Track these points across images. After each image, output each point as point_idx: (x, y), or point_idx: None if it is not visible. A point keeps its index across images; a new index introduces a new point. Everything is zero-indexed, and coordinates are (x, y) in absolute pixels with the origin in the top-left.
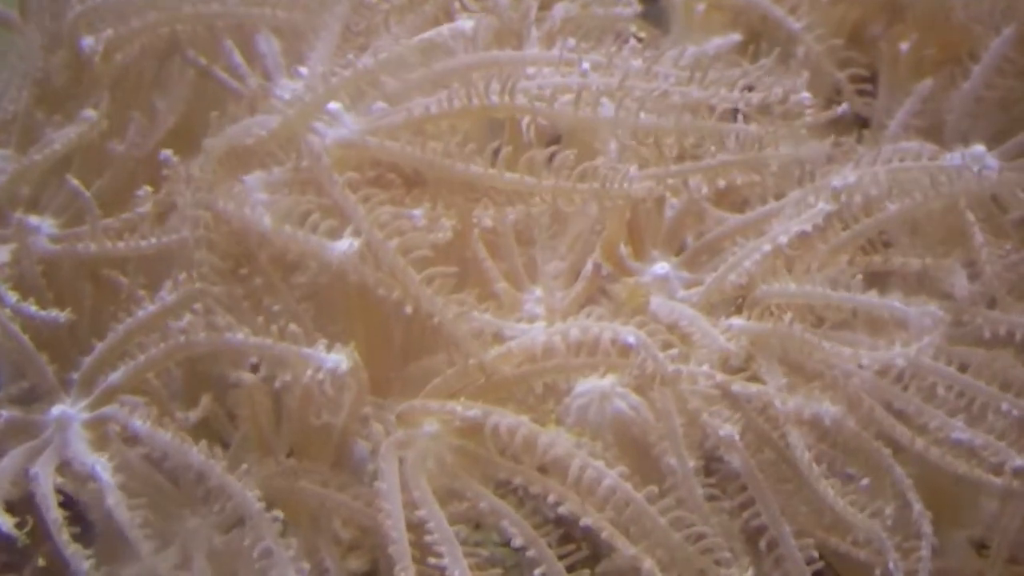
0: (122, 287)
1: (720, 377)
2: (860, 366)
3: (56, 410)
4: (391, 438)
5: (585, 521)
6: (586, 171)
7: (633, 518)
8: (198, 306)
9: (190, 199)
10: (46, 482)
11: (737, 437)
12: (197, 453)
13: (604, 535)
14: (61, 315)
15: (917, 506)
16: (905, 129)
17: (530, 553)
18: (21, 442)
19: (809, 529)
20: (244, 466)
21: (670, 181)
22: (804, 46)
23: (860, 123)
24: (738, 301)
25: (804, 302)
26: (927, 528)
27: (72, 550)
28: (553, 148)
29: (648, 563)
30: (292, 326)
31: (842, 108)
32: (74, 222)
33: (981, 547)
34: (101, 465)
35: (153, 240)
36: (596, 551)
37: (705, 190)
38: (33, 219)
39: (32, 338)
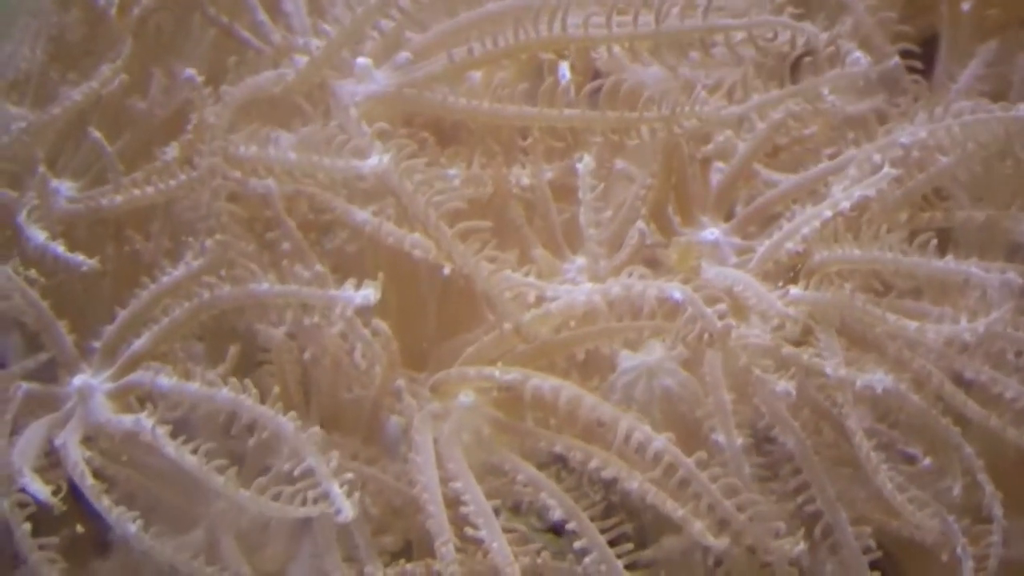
0: (144, 253)
1: (771, 339)
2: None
3: (78, 380)
4: (425, 410)
5: (631, 484)
6: (647, 101)
7: (682, 483)
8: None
9: (206, 148)
10: (75, 450)
11: (794, 394)
12: (226, 392)
13: (650, 497)
14: (88, 261)
15: (988, 488)
16: (968, 94)
17: (570, 525)
18: (39, 416)
19: (868, 513)
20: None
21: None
22: (855, 16)
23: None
24: (795, 269)
25: (868, 269)
26: (998, 511)
27: (116, 513)
28: (601, 81)
29: (698, 525)
30: (317, 266)
31: (894, 61)
32: (93, 186)
33: None
34: (142, 421)
35: (172, 183)
36: (642, 536)
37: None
38: (52, 181)
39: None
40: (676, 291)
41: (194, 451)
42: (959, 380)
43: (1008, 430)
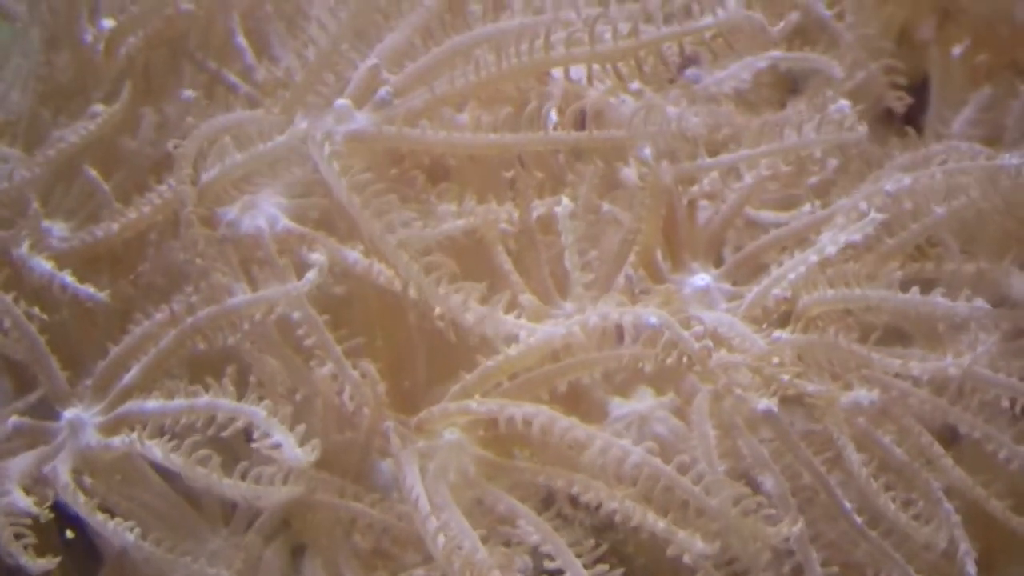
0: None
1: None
2: (912, 378)
3: (69, 413)
4: (411, 447)
5: (611, 505)
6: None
7: (666, 491)
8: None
9: (175, 177)
10: (65, 474)
11: (775, 410)
12: (205, 398)
13: (631, 514)
14: (97, 294)
15: (963, 545)
16: (962, 139)
17: (545, 547)
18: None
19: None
20: None
21: (708, 184)
22: (845, 46)
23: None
24: (782, 314)
25: (844, 309)
26: (971, 569)
27: (112, 526)
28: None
29: (681, 534)
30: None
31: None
32: (84, 226)
33: None
34: (128, 438)
35: (146, 209)
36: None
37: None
38: (43, 222)
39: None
40: (652, 316)
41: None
42: (952, 434)
43: (991, 502)
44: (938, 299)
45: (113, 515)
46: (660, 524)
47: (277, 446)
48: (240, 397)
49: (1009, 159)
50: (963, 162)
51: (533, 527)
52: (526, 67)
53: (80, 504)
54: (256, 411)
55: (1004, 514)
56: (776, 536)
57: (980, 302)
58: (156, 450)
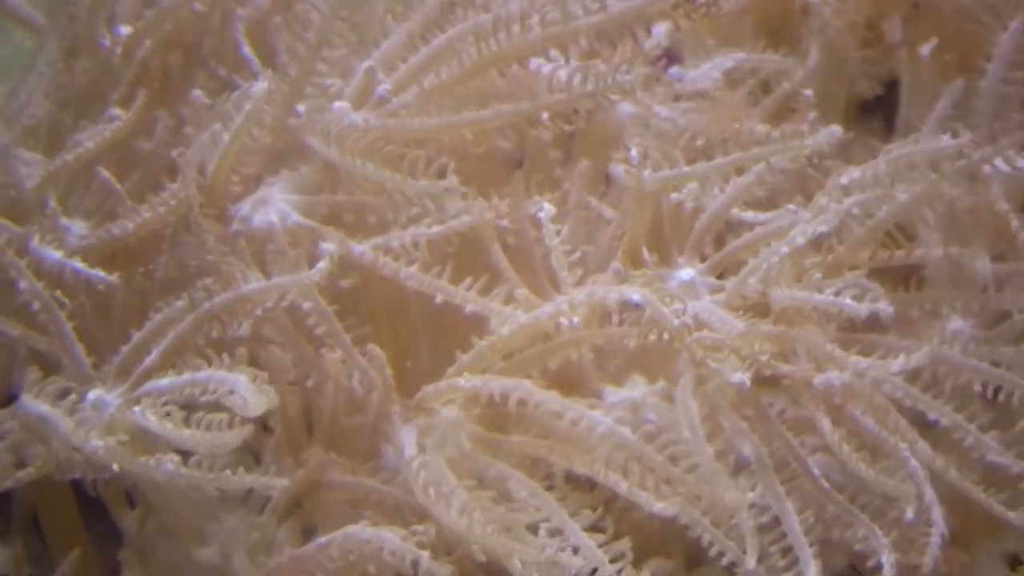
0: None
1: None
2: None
3: (92, 394)
4: (410, 424)
5: (578, 469)
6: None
7: (633, 458)
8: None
9: (181, 183)
10: (96, 439)
11: (748, 383)
12: (206, 371)
13: (600, 478)
14: (107, 277)
15: (929, 494)
16: (937, 132)
17: (535, 502)
18: None
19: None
20: None
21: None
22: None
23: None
24: (757, 304)
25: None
26: (938, 517)
27: (152, 462)
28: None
29: (643, 495)
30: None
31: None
32: (102, 225)
33: (1016, 563)
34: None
35: (162, 209)
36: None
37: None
38: (62, 220)
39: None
40: (635, 294)
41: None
42: (923, 423)
43: (963, 481)
44: (847, 301)
45: (135, 491)
46: (623, 485)
47: (230, 392)
48: None
49: (949, 142)
50: (906, 149)
51: (524, 489)
52: (505, 52)
53: (119, 454)
54: (238, 378)
55: (976, 492)
56: (735, 502)
57: (883, 304)
58: (148, 415)
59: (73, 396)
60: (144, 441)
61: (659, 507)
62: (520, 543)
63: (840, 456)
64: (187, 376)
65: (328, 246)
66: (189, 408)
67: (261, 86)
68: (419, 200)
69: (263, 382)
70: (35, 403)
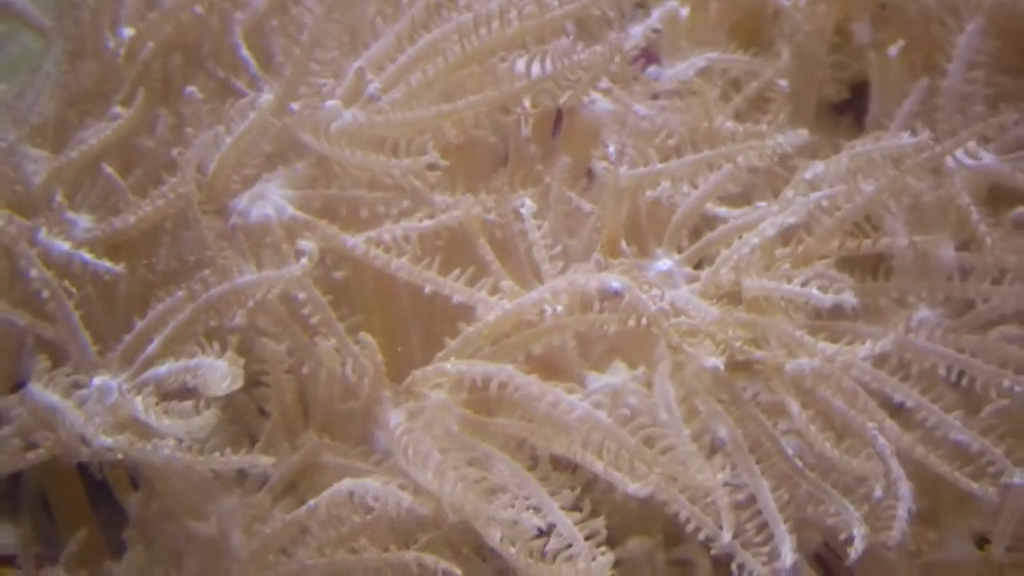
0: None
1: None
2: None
3: (97, 380)
4: (400, 407)
5: (556, 450)
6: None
7: (607, 439)
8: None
9: (180, 181)
10: (96, 428)
11: (721, 367)
12: (199, 359)
13: (578, 460)
14: (113, 267)
15: (895, 468)
16: (905, 130)
17: (516, 480)
18: None
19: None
20: None
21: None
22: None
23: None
24: (731, 292)
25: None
26: (905, 491)
27: (150, 447)
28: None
29: (617, 475)
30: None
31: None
32: (106, 219)
33: (983, 541)
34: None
35: (161, 202)
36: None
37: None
38: (68, 213)
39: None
40: (615, 281)
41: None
42: (891, 407)
43: (917, 448)
44: (814, 292)
45: (137, 471)
46: (599, 466)
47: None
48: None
49: (908, 139)
50: (867, 146)
51: (507, 468)
52: (486, 47)
53: (119, 440)
54: (218, 363)
55: (942, 467)
56: (708, 480)
57: (848, 295)
58: (138, 404)
59: (82, 390)
60: (141, 428)
61: (633, 487)
62: (488, 503)
63: (807, 437)
64: (182, 363)
65: (308, 244)
66: (184, 395)
67: (267, 98)
68: (405, 179)
69: (238, 365)
70: (44, 392)
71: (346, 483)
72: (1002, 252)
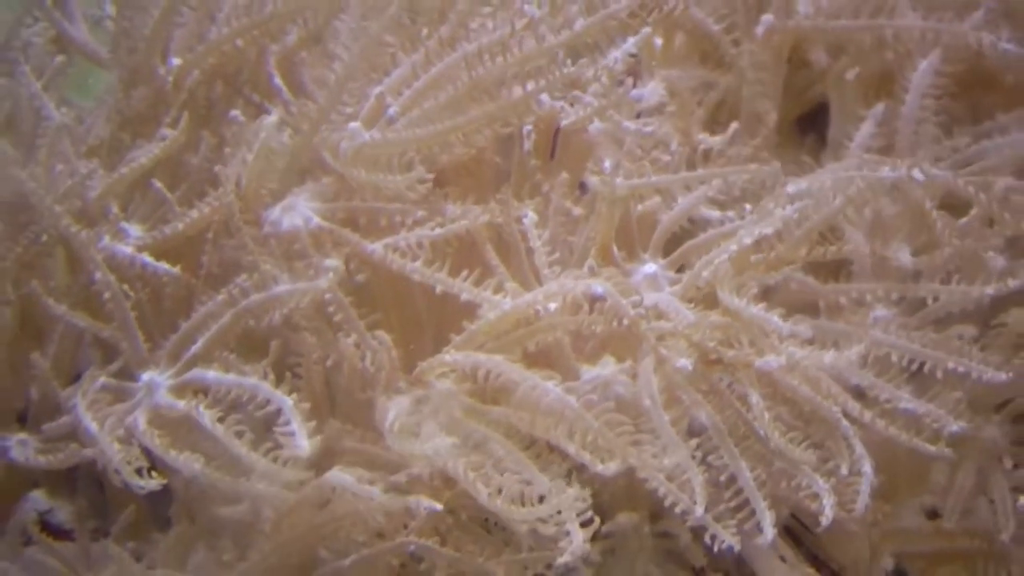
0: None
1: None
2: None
3: (146, 376)
4: (408, 394)
5: (538, 434)
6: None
7: (575, 422)
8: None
9: (220, 194)
10: (143, 423)
11: (691, 367)
12: (251, 379)
13: (555, 443)
14: (172, 270)
15: (858, 448)
16: (864, 151)
17: (510, 458)
18: (112, 404)
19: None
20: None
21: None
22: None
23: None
24: (709, 295)
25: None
26: (867, 468)
27: (183, 459)
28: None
29: (586, 456)
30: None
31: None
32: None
33: (934, 515)
34: (191, 404)
35: (207, 210)
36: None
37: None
38: (123, 224)
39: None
40: (598, 287)
41: (220, 421)
42: (858, 394)
43: (876, 421)
44: (773, 318)
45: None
46: (571, 448)
47: (291, 434)
48: (279, 376)
49: (888, 172)
50: (850, 172)
51: (502, 448)
52: (490, 75)
53: (156, 444)
54: (286, 400)
55: (900, 435)
56: (660, 465)
57: (804, 327)
58: (206, 419)
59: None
60: (180, 430)
61: (601, 467)
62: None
63: (761, 426)
64: (233, 377)
65: (333, 261)
66: (230, 408)
67: (271, 120)
68: (413, 191)
69: (300, 401)
70: (86, 415)
71: (332, 475)
72: (952, 255)
